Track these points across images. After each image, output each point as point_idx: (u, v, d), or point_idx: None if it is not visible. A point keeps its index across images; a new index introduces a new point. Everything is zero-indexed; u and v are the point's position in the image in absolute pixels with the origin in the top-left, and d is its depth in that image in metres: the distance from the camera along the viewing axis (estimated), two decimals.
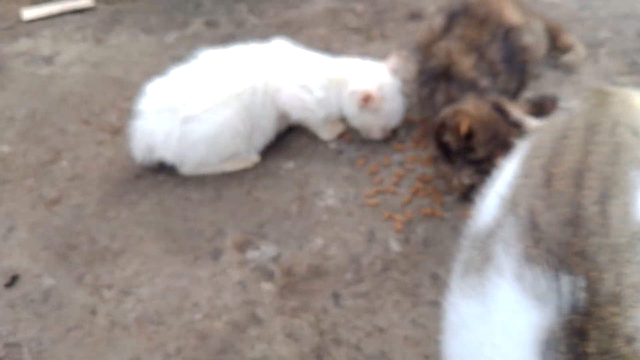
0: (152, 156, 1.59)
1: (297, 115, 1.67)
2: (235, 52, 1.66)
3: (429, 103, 1.65)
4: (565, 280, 0.67)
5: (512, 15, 1.73)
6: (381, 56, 2.08)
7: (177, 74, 1.61)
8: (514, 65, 1.66)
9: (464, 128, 1.44)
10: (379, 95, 1.62)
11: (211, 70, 1.59)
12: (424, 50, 1.72)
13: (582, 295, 0.65)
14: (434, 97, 1.62)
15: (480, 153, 1.47)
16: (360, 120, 1.70)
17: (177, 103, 1.53)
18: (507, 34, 1.67)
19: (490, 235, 0.81)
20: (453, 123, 1.45)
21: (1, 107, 1.93)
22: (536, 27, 1.82)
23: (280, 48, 1.72)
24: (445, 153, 1.53)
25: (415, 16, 2.44)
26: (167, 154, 1.56)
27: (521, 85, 1.70)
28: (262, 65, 1.63)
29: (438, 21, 1.75)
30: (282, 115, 1.69)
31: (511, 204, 0.81)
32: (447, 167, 1.54)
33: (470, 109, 1.48)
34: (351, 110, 1.68)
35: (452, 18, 1.72)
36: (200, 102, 1.53)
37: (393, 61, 1.73)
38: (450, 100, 1.55)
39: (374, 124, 1.70)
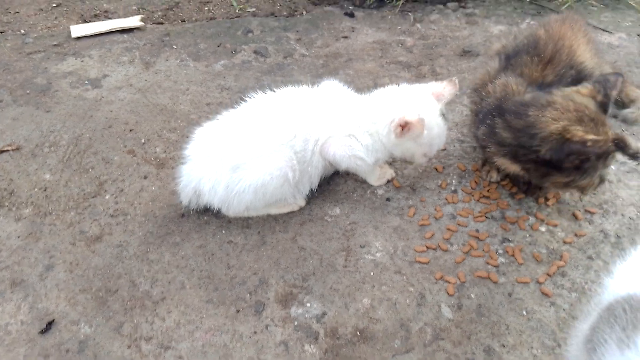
0: (198, 200, 1.54)
1: (346, 164, 1.60)
2: (285, 96, 1.60)
3: (489, 141, 1.56)
4: None
5: (585, 55, 1.63)
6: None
7: (226, 118, 1.56)
8: None
9: (582, 135, 1.37)
10: (417, 123, 1.50)
11: (261, 116, 1.54)
12: (480, 92, 1.64)
13: None
14: (496, 133, 1.53)
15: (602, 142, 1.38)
16: (402, 149, 1.61)
17: (225, 150, 1.48)
18: (577, 78, 1.57)
19: None
20: (575, 144, 1.37)
21: (45, 130, 1.91)
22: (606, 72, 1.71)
23: (329, 91, 1.65)
24: (572, 168, 1.44)
25: (467, 53, 2.36)
26: (214, 199, 1.51)
27: None
28: (312, 111, 1.56)
29: (495, 64, 1.67)
30: (331, 164, 1.62)
31: None
32: (585, 179, 1.46)
33: (562, 122, 1.41)
34: (391, 140, 1.57)
35: (510, 59, 1.64)
36: (249, 149, 1.48)
37: (438, 86, 1.61)
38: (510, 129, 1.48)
39: (416, 152, 1.62)
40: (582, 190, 1.51)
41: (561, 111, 1.41)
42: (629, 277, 0.88)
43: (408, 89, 1.61)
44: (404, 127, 1.51)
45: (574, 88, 1.48)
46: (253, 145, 1.48)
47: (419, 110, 1.52)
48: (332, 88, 1.67)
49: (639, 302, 0.82)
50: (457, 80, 1.60)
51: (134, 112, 2.00)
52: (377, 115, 1.56)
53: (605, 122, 1.41)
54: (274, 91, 1.62)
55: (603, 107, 1.44)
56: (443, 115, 1.59)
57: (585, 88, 1.46)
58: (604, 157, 1.42)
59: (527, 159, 1.48)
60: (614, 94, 1.45)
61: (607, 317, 0.86)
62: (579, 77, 1.59)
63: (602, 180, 1.50)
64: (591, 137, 1.36)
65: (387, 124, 1.54)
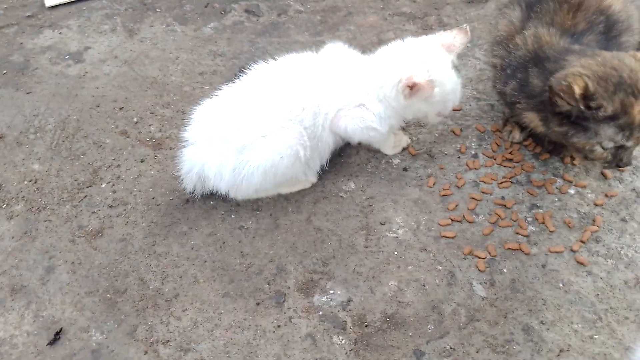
0: (204, 186, 1.43)
1: (359, 137, 1.47)
2: (288, 65, 1.45)
3: (519, 96, 1.44)
4: None
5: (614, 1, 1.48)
6: None
7: (227, 95, 1.42)
8: None
9: (579, 86, 1.25)
10: (426, 85, 1.34)
11: (264, 90, 1.39)
12: (506, 44, 1.50)
13: None
14: (529, 84, 1.41)
15: (609, 108, 1.27)
16: (413, 110, 1.46)
17: (229, 130, 1.35)
18: (608, 26, 1.44)
19: None
20: (563, 87, 1.26)
21: (29, 115, 1.76)
22: (634, 17, 1.56)
23: (334, 56, 1.49)
24: (572, 123, 1.33)
25: None
26: (221, 184, 1.40)
27: None
28: (319, 81, 1.42)
29: (517, 13, 1.52)
30: (342, 138, 1.50)
31: None
32: (580, 138, 1.34)
33: (578, 68, 1.29)
34: (400, 103, 1.42)
35: (532, 6, 1.49)
36: (255, 128, 1.35)
37: (448, 36, 1.44)
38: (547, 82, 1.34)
39: (430, 112, 1.46)
40: (587, 156, 1.40)
41: (596, 64, 1.29)
42: None
43: (414, 43, 1.44)
44: (413, 87, 1.35)
45: (633, 52, 1.34)
46: (259, 123, 1.35)
47: (427, 66, 1.36)
48: (336, 52, 1.52)
49: None
50: (468, 28, 1.45)
51: (122, 87, 1.84)
52: (383, 77, 1.40)
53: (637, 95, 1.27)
54: (275, 60, 1.47)
55: None
56: (455, 68, 1.42)
57: None
58: (603, 122, 1.29)
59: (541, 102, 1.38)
60: None
61: None
62: (608, 24, 1.45)
63: (619, 158, 1.35)
64: (576, 87, 1.25)
65: (395, 85, 1.38)
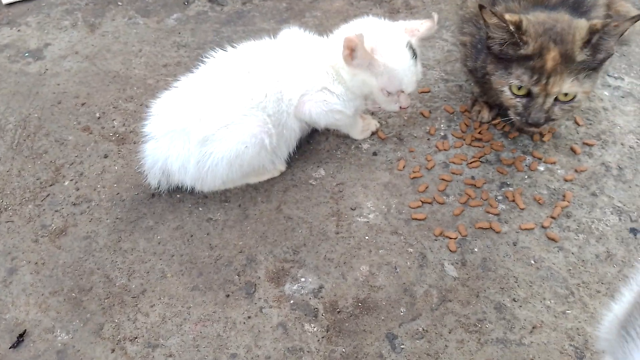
0: (168, 180, 1.39)
1: (325, 121, 1.45)
2: (246, 52, 1.42)
3: (488, 60, 1.42)
4: None
5: None
6: None
7: (185, 85, 1.38)
8: None
9: (512, 17, 1.27)
10: (356, 38, 1.28)
11: (224, 78, 1.36)
12: (475, 21, 1.49)
13: None
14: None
15: (530, 47, 1.27)
16: (359, 83, 1.39)
17: (190, 123, 1.31)
18: (578, 1, 1.42)
19: None
20: (498, 13, 1.27)
21: None
22: None
23: (291, 41, 1.47)
24: (496, 57, 1.35)
25: None
26: (186, 178, 1.36)
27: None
28: (279, 67, 1.39)
29: None
30: (308, 124, 1.48)
31: None
32: (497, 76, 1.35)
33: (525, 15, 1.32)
34: (348, 73, 1.38)
35: None
36: (216, 118, 1.31)
37: (415, 23, 1.42)
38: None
39: (374, 86, 1.39)
40: (503, 104, 1.41)
41: (545, 15, 1.31)
42: None
43: (369, 22, 1.42)
44: (352, 51, 1.32)
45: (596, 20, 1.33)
46: (220, 113, 1.32)
47: (373, 36, 1.35)
48: (293, 37, 1.49)
49: None
50: (436, 17, 1.43)
51: (84, 82, 1.80)
52: (337, 53, 1.36)
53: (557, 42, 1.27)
54: (233, 47, 1.44)
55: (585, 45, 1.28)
56: (412, 49, 1.38)
57: (591, 22, 1.31)
58: (519, 60, 1.30)
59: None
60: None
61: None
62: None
63: (528, 112, 1.33)
64: (508, 16, 1.27)
65: (342, 53, 1.34)
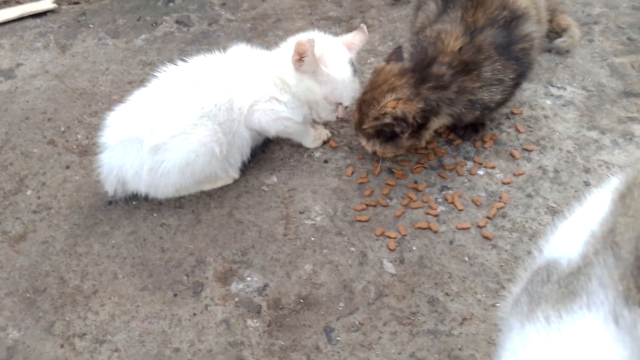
0: (124, 188, 1.47)
1: (275, 129, 1.54)
2: (197, 66, 1.51)
3: None
4: None
5: None
6: (366, 48, 1.95)
7: (139, 98, 1.46)
8: (510, 53, 1.50)
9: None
10: (307, 42, 1.41)
11: (175, 90, 1.45)
12: (419, 35, 1.58)
13: None
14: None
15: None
16: (304, 89, 1.50)
17: (142, 132, 1.39)
18: (509, 21, 1.50)
19: (576, 272, 0.74)
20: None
21: None
22: (541, 8, 1.64)
23: (239, 55, 1.57)
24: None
25: (398, 1, 2.29)
26: (140, 186, 1.44)
27: (520, 75, 1.55)
28: (229, 78, 1.48)
29: (433, 7, 1.59)
30: (259, 133, 1.56)
31: (609, 243, 0.73)
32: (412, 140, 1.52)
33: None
34: (294, 78, 1.50)
35: (448, 1, 1.56)
36: (167, 127, 1.40)
37: (348, 36, 1.57)
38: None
39: (318, 93, 1.50)
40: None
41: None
42: (560, 240, 0.84)
43: (314, 36, 1.53)
44: (300, 57, 1.44)
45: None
46: (171, 122, 1.40)
47: (320, 46, 1.47)
48: (241, 51, 1.59)
49: (558, 268, 0.78)
50: (365, 28, 1.57)
51: (52, 99, 1.88)
52: (282, 63, 1.50)
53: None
54: (185, 61, 1.53)
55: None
56: (352, 64, 1.53)
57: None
58: None
59: None
60: None
61: (529, 282, 0.83)
62: (513, 18, 1.51)
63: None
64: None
65: (290, 59, 1.47)
